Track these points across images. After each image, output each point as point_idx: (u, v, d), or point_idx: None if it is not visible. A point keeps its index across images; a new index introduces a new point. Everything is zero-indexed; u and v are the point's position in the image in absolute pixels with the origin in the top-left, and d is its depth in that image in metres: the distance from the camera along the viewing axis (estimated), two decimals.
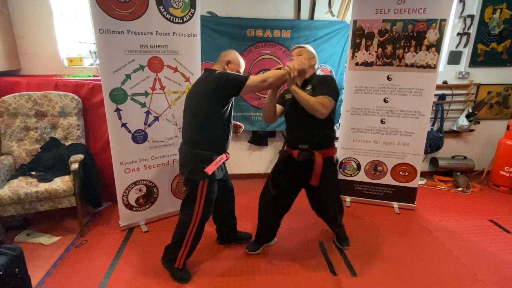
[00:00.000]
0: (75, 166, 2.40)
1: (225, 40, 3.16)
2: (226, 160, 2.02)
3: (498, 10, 3.36)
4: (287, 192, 2.20)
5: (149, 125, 2.50)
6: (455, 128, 3.70)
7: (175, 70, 2.48)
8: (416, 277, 2.15)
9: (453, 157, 3.82)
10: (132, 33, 2.21)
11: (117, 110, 2.32)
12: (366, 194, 3.17)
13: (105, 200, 3.04)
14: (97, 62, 3.20)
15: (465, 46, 3.47)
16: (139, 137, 2.48)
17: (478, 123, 3.70)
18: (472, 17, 3.36)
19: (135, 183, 2.57)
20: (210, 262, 2.26)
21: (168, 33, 2.36)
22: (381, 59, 2.77)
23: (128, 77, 2.29)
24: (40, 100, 2.69)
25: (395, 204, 3.10)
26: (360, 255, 2.37)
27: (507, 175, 3.45)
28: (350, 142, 3.05)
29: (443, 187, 3.59)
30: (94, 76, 3.08)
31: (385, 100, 2.86)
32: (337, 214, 2.35)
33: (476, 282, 2.13)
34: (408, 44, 2.68)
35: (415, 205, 3.08)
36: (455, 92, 3.62)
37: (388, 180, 3.07)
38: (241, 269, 2.20)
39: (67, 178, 2.49)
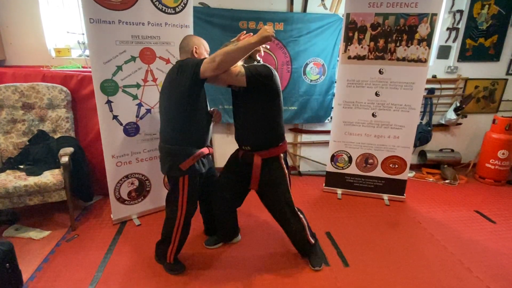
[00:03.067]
0: (65, 159, 2.35)
1: (217, 32, 3.12)
2: (208, 154, 1.96)
3: (486, 6, 3.42)
4: (237, 191, 2.13)
5: (141, 118, 2.47)
6: (443, 122, 3.78)
7: (168, 61, 2.45)
8: (406, 266, 2.21)
9: (441, 150, 3.91)
10: (123, 23, 2.17)
11: (108, 102, 2.28)
12: (357, 187, 3.21)
13: (96, 194, 2.99)
14: (86, 53, 3.15)
15: (454, 41, 3.53)
16: (131, 129, 2.45)
17: (466, 117, 3.79)
18: (461, 12, 3.42)
19: (127, 177, 2.54)
20: (202, 253, 2.27)
21: (160, 24, 2.32)
22: (373, 52, 2.79)
23: (119, 68, 2.25)
24: (27, 92, 2.62)
25: (385, 196, 3.16)
26: (351, 246, 2.42)
27: (493, 167, 3.55)
28: (342, 135, 3.08)
29: (431, 180, 3.68)
30: (83, 67, 3.02)
31: (376, 94, 2.89)
32: (290, 220, 2.05)
33: (463, 270, 2.20)
34: (399, 38, 2.71)
35: (404, 197, 3.14)
36: (443, 86, 3.69)
37: (378, 172, 3.12)
38: (233, 260, 2.22)
39: (57, 172, 2.44)
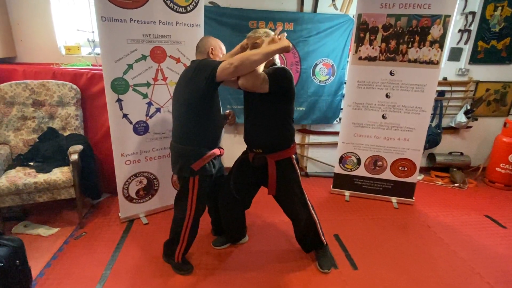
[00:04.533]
0: (74, 157, 2.36)
1: (227, 31, 3.11)
2: (219, 155, 1.96)
3: (500, 8, 3.37)
4: (248, 193, 2.15)
5: (151, 117, 2.46)
6: (453, 125, 3.74)
7: (178, 60, 2.44)
8: (416, 271, 2.18)
9: (450, 153, 3.87)
10: (134, 21, 2.16)
11: (119, 101, 2.28)
12: (365, 189, 3.19)
13: (104, 192, 3.00)
14: (96, 51, 3.15)
15: (465, 43, 3.48)
16: (140, 128, 2.44)
17: (476, 120, 3.74)
18: (473, 14, 3.37)
19: (135, 175, 2.54)
20: (210, 253, 2.27)
21: (171, 23, 2.31)
22: (384, 54, 2.76)
23: (130, 67, 2.25)
24: (38, 89, 2.63)
25: (394, 199, 3.13)
26: (360, 248, 2.39)
27: (503, 171, 3.50)
28: (351, 137, 3.06)
29: (440, 183, 3.63)
30: (92, 65, 3.02)
31: (387, 95, 2.86)
32: (303, 216, 2.04)
33: (474, 275, 2.17)
34: (412, 39, 2.68)
35: (413, 200, 3.11)
36: (454, 88, 3.65)
37: (387, 175, 3.09)
38: (241, 261, 2.21)
39: (66, 169, 2.45)
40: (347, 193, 3.23)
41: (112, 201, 2.91)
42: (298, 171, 1.99)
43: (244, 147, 2.08)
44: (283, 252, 2.33)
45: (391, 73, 2.79)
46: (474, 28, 3.43)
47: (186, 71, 1.82)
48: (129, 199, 2.58)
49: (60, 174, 2.37)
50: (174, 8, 2.29)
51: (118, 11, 2.08)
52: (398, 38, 2.70)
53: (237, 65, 1.61)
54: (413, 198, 3.11)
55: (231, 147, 3.48)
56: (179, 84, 1.84)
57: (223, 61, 1.70)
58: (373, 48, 2.76)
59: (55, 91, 2.67)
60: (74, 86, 2.72)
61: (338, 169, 3.19)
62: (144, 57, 2.28)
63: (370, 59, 2.80)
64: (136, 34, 2.20)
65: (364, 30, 2.74)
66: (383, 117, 2.93)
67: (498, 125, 3.84)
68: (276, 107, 1.83)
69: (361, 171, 3.14)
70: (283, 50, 1.66)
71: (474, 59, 3.54)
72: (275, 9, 3.17)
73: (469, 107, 3.61)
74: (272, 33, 1.82)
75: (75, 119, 2.73)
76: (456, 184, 3.56)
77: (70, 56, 3.06)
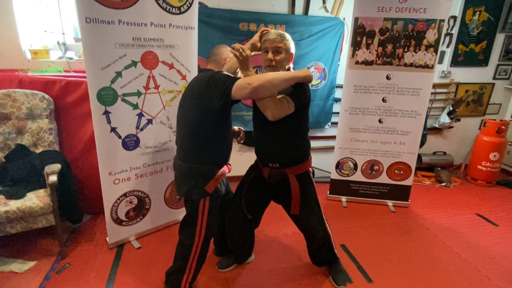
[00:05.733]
0: (53, 178, 2.04)
1: (216, 33, 2.92)
2: (228, 172, 1.79)
3: (478, 12, 3.51)
4: (260, 211, 2.00)
5: (142, 129, 2.21)
6: (437, 125, 3.84)
7: (171, 66, 2.21)
8: (427, 278, 2.16)
9: (434, 153, 3.98)
10: (124, 23, 1.91)
11: (106, 113, 2.00)
12: (361, 194, 3.15)
13: (85, 213, 2.67)
14: (68, 55, 2.81)
15: (448, 46, 3.58)
16: (130, 142, 2.18)
17: (459, 120, 3.88)
18: (455, 18, 3.47)
19: (125, 195, 2.27)
20: (216, 278, 2.07)
21: (164, 25, 2.08)
22: (381, 58, 2.73)
23: (118, 74, 1.98)
24: (2, 100, 2.26)
25: (390, 202, 3.13)
26: (370, 259, 2.33)
27: (484, 169, 3.65)
28: (347, 142, 3.00)
29: (427, 183, 3.72)
30: (65, 71, 2.68)
31: (383, 100, 2.84)
32: (318, 229, 1.90)
33: (482, 278, 2.19)
34: (408, 43, 2.67)
35: (408, 202, 3.13)
36: (437, 90, 3.74)
37: (384, 179, 3.08)
38: (252, 283, 2.05)
39: (42, 193, 2.12)
40: (344, 198, 3.17)
41: (96, 223, 2.60)
42: (314, 183, 1.87)
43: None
44: (294, 269, 2.20)
45: (387, 77, 2.77)
46: (455, 31, 3.54)
47: (196, 82, 1.61)
48: (118, 221, 2.30)
49: (36, 200, 2.04)
50: (167, 9, 2.06)
51: (105, 11, 1.82)
52: (394, 42, 2.68)
53: (256, 86, 1.44)
54: (409, 200, 3.13)
55: (233, 157, 3.30)
56: (187, 97, 1.63)
57: (238, 78, 1.52)
58: (370, 52, 2.72)
59: (23, 102, 2.31)
60: (47, 96, 2.38)
61: (334, 175, 3.13)
62: (134, 63, 2.03)
63: (367, 63, 2.76)
64: (126, 37, 1.94)
65: (361, 34, 2.69)
66: (380, 121, 2.90)
67: (476, 124, 4.04)
68: (293, 117, 1.69)
69: (358, 176, 3.10)
70: (307, 79, 1.56)
71: (455, 62, 3.66)
72: (266, 10, 3.03)
73: (451, 108, 3.73)
74: (289, 35, 1.69)
75: (48, 134, 2.39)
76: (443, 184, 3.66)
77: (37, 61, 2.69)
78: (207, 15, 2.85)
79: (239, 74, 1.75)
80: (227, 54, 1.74)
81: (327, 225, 1.96)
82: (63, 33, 2.80)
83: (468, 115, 3.97)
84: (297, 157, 1.77)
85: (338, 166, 3.09)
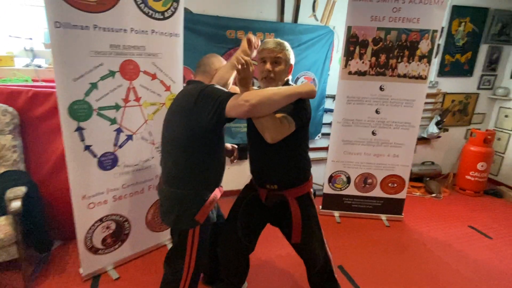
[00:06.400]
0: (16, 204, 1.78)
1: (202, 41, 2.74)
2: (220, 195, 1.58)
3: (463, 23, 3.53)
4: (256, 236, 1.81)
5: (120, 146, 1.98)
6: (425, 135, 3.82)
7: (154, 77, 2.01)
8: None
9: (422, 163, 3.95)
10: (100, 29, 1.69)
11: (79, 130, 1.77)
12: (355, 208, 3.04)
13: (55, 239, 2.38)
14: (36, 62, 2.54)
15: (435, 56, 3.58)
16: (107, 162, 1.94)
17: (447, 130, 3.87)
18: (442, 29, 3.47)
19: (101, 220, 2.02)
20: None
21: (146, 31, 1.88)
22: (374, 68, 2.65)
23: (94, 86, 1.76)
24: None
25: (383, 217, 3.03)
26: (369, 281, 2.19)
27: (472, 179, 3.65)
28: (340, 155, 2.88)
29: (417, 194, 3.67)
30: (33, 80, 2.40)
31: (377, 111, 2.75)
32: (320, 255, 1.72)
33: None
34: (401, 54, 2.60)
35: (402, 216, 3.04)
36: (425, 100, 3.71)
37: (377, 192, 2.98)
38: None
39: (3, 221, 1.84)
40: (336, 213, 3.04)
41: (67, 251, 2.32)
42: (315, 207, 1.71)
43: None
44: None
45: (381, 88, 2.69)
46: (442, 42, 3.54)
47: (184, 97, 1.42)
48: (93, 250, 2.04)
49: None
50: (149, 14, 1.86)
51: (78, 15, 1.60)
52: (388, 52, 2.60)
53: (255, 104, 1.26)
54: (402, 214, 3.05)
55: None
56: (174, 113, 1.43)
57: (233, 94, 1.33)
58: (363, 62, 2.63)
59: None
60: (10, 109, 2.10)
61: (327, 189, 3.00)
62: (112, 74, 1.81)
63: (360, 73, 2.66)
64: (102, 44, 1.72)
65: (354, 43, 2.59)
66: (373, 133, 2.81)
67: (462, 133, 4.05)
68: (293, 135, 1.52)
69: (351, 190, 2.99)
70: (310, 95, 1.40)
71: (442, 72, 3.66)
72: (254, 18, 2.88)
73: (439, 118, 3.72)
74: (290, 48, 1.53)
75: (12, 152, 2.11)
76: (433, 194, 3.62)
77: (0, 69, 2.40)
78: (192, 21, 2.67)
79: (230, 86, 1.58)
80: (218, 64, 1.56)
81: (327, 249, 1.80)
82: (31, 38, 2.53)
83: (454, 124, 3.98)
84: (297, 178, 1.61)
85: (331, 179, 2.96)
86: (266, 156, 1.58)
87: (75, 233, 1.95)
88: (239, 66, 1.26)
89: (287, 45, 1.52)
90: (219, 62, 1.57)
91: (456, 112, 3.94)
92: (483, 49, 3.72)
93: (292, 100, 1.36)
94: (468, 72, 3.78)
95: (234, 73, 1.52)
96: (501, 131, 3.91)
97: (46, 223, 2.20)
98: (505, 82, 3.92)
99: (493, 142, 3.59)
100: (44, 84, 2.35)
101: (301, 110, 1.43)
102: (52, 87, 2.23)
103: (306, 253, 1.74)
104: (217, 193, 1.53)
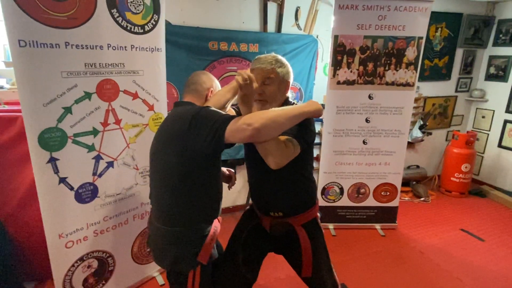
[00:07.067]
0: None
1: (183, 54, 2.59)
2: (219, 225, 1.42)
3: (440, 29, 3.61)
4: (259, 266, 1.65)
5: (100, 175, 1.77)
6: (410, 140, 3.84)
7: (135, 96, 1.83)
8: None
9: (408, 167, 3.97)
10: (72, 46, 1.50)
11: (52, 161, 1.55)
12: (349, 219, 2.97)
13: (26, 280, 2.11)
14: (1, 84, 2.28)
15: None
16: (86, 193, 1.73)
17: (431, 134, 3.92)
18: None
19: (81, 259, 1.79)
20: None
21: (125, 47, 1.71)
22: (362, 77, 2.60)
23: (67, 110, 1.55)
24: None
25: (378, 226, 2.98)
26: None
27: (457, 180, 3.70)
28: (332, 166, 2.81)
29: (406, 198, 3.67)
30: None
31: (367, 120, 2.70)
32: (327, 282, 1.60)
33: None
34: (388, 61, 2.58)
35: (396, 224, 3.01)
36: None
37: (370, 201, 2.93)
38: None
39: None
40: (331, 226, 2.96)
41: None
42: (322, 231, 1.59)
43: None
44: None
45: (370, 97, 2.65)
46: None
47: (174, 121, 1.25)
48: None
49: None
50: (128, 28, 1.69)
51: (47, 31, 1.40)
52: (375, 61, 2.57)
53: (258, 128, 1.10)
54: (396, 222, 3.01)
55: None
56: (164, 141, 1.26)
57: (232, 116, 1.18)
58: (351, 71, 2.58)
59: None
60: None
61: (320, 201, 2.90)
62: (88, 95, 1.61)
63: (348, 83, 2.61)
64: (76, 63, 1.53)
65: (342, 52, 2.54)
66: (364, 142, 2.76)
67: (443, 135, 4.13)
68: (298, 157, 1.40)
69: (345, 201, 2.91)
70: (316, 114, 1.27)
71: (422, 76, 3.71)
72: (237, 28, 2.76)
73: (421, 122, 3.76)
74: (284, 60, 1.41)
75: None
76: (422, 198, 3.64)
77: None
78: (171, 33, 2.50)
79: (228, 109, 1.44)
80: (209, 83, 1.41)
81: (335, 276, 1.68)
82: None
83: (436, 127, 4.05)
84: (304, 203, 1.48)
85: (324, 191, 2.88)
86: (269, 181, 1.44)
87: (51, 272, 1.71)
88: (241, 82, 1.12)
89: (281, 61, 1.39)
90: (209, 80, 1.43)
91: (437, 115, 4.01)
92: (459, 53, 3.82)
93: (298, 121, 1.24)
94: (446, 76, 3.87)
95: (232, 96, 1.39)
96: (479, 132, 4.02)
97: (15, 264, 1.94)
98: (479, 84, 4.04)
99: (474, 143, 3.66)
100: (6, 108, 2.09)
101: (306, 131, 1.31)
102: (17, 111, 2.00)
103: (315, 282, 1.61)
104: (216, 225, 1.38)
